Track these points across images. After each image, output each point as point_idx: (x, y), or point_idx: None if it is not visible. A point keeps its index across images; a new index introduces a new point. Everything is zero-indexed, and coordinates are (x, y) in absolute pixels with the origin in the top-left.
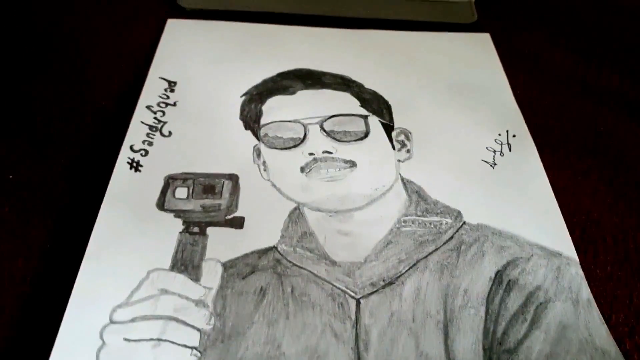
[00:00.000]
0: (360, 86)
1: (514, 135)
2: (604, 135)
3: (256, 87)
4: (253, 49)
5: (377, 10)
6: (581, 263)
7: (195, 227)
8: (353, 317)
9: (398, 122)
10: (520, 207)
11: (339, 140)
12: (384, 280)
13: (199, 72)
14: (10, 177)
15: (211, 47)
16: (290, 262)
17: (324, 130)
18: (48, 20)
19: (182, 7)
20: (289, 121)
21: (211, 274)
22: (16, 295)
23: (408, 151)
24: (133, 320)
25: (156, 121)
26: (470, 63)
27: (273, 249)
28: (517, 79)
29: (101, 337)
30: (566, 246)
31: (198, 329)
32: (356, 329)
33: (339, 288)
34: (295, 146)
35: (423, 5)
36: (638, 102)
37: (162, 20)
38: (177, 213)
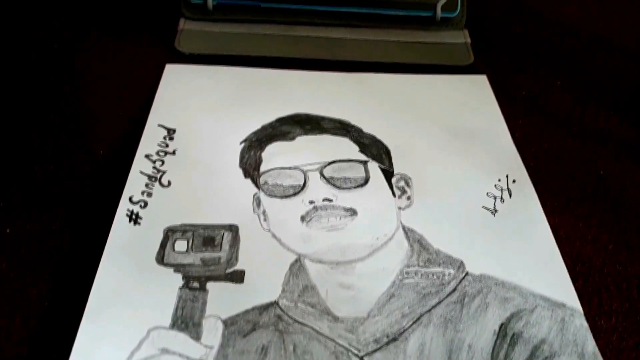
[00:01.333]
0: (359, 131)
1: (513, 181)
2: (603, 179)
3: (255, 133)
4: (252, 93)
5: (374, 53)
6: (585, 314)
7: (195, 282)
8: None
9: (397, 167)
10: (523, 255)
11: (339, 187)
12: (387, 337)
13: (198, 119)
14: (8, 230)
15: (210, 93)
16: (291, 318)
17: (324, 177)
18: (45, 71)
19: (181, 51)
20: (289, 168)
21: (212, 331)
22: (13, 356)
23: (408, 198)
24: None
25: (155, 171)
26: (468, 105)
27: (274, 304)
28: (515, 121)
29: None
30: (570, 296)
31: None
32: None
33: (342, 345)
34: (295, 194)
35: (420, 47)
36: (637, 143)
37: (161, 65)
38: (177, 267)
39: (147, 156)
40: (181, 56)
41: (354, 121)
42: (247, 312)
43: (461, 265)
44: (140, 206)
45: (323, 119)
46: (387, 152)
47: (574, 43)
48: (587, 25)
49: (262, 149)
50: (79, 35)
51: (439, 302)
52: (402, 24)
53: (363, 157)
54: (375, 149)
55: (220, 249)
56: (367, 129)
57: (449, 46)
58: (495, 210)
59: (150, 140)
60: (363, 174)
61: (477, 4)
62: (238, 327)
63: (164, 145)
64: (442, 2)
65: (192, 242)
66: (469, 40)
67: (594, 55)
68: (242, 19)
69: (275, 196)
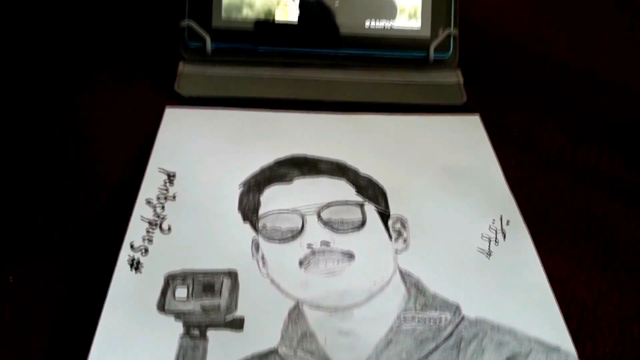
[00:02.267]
0: (355, 172)
1: (507, 222)
2: (595, 219)
3: (254, 176)
4: (250, 135)
5: (370, 94)
6: (580, 357)
7: (195, 330)
8: None
9: (393, 209)
10: (517, 298)
11: (336, 230)
12: None
13: (197, 162)
14: (11, 279)
15: (209, 135)
16: None
17: (321, 220)
18: (45, 116)
19: (180, 94)
20: (287, 211)
21: None
22: None
23: (405, 241)
24: None
25: (156, 216)
26: (461, 145)
27: (274, 352)
28: (507, 160)
29: None
30: (564, 339)
31: None
32: None
33: None
34: (293, 238)
35: (414, 88)
36: (628, 183)
37: (161, 108)
38: (178, 315)
39: (147, 201)
40: (181, 99)
41: (351, 162)
42: None
43: (457, 309)
44: (142, 253)
45: (320, 160)
46: (383, 194)
47: (566, 82)
48: (578, 64)
49: (260, 192)
50: (79, 80)
51: (436, 348)
52: (396, 65)
53: (360, 199)
54: (371, 191)
55: (220, 296)
56: (364, 170)
57: (442, 86)
58: (490, 253)
59: (150, 185)
60: (360, 216)
61: (470, 44)
62: None
63: (164, 190)
64: (435, 44)
65: (192, 289)
66: (461, 80)
67: (586, 94)
68: (240, 61)
69: (274, 240)
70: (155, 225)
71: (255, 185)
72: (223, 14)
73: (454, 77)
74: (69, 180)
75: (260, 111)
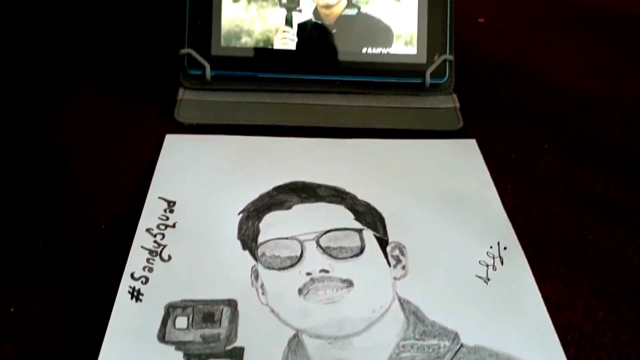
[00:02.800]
0: (353, 198)
1: (505, 248)
2: (592, 243)
3: (253, 203)
4: (250, 162)
5: (367, 119)
6: None
7: None
8: None
9: (392, 235)
10: (515, 325)
11: (335, 258)
12: None
13: (197, 190)
14: (12, 310)
15: (209, 162)
16: None
17: (320, 247)
18: (45, 144)
19: (180, 122)
20: (286, 238)
21: None
22: None
23: (403, 267)
24: None
25: (156, 245)
26: (458, 171)
27: None
28: (504, 185)
29: None
30: None
31: None
32: None
33: None
34: (292, 265)
35: (410, 113)
36: (623, 207)
37: (161, 135)
38: (178, 345)
39: (148, 230)
40: (181, 125)
41: (349, 188)
42: None
43: (456, 336)
44: (142, 282)
45: (319, 186)
46: (382, 220)
47: (562, 106)
48: (574, 88)
49: (259, 219)
50: (79, 106)
51: None
52: (393, 91)
53: (358, 225)
54: (370, 217)
55: (220, 325)
56: (362, 196)
57: (438, 111)
58: (488, 279)
59: (151, 213)
60: (358, 243)
61: (466, 69)
62: None
63: (164, 218)
64: (431, 70)
65: (193, 319)
66: (457, 104)
67: (581, 118)
68: (239, 88)
69: (273, 268)
70: (156, 254)
71: (254, 212)
72: (222, 41)
73: (450, 102)
74: (69, 209)
75: (259, 137)
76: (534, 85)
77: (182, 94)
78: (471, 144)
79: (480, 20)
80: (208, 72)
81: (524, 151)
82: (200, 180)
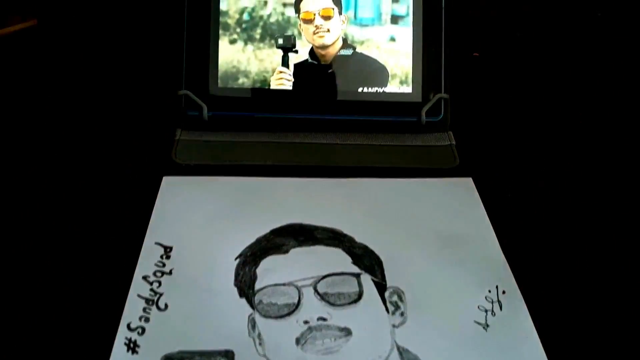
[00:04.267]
0: (351, 241)
1: (503, 292)
2: (593, 286)
3: (250, 247)
4: (247, 204)
5: (364, 158)
6: None
7: None
8: None
9: (390, 279)
10: None
11: (332, 304)
12: None
13: (194, 234)
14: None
15: (206, 205)
16: None
17: (318, 293)
18: (38, 186)
19: (177, 162)
20: (283, 284)
21: None
22: None
23: (402, 314)
24: None
25: (152, 293)
26: (455, 211)
27: None
28: (501, 225)
29: None
30: None
31: None
32: None
33: None
34: (289, 313)
35: (407, 151)
36: (625, 247)
37: (158, 177)
38: None
39: (144, 277)
40: (178, 166)
41: (347, 229)
42: None
43: None
44: (138, 333)
45: (316, 228)
46: (380, 263)
47: (558, 143)
48: (571, 125)
49: (256, 264)
50: (73, 152)
51: None
52: (389, 129)
53: (356, 269)
54: (367, 261)
55: None
56: (360, 238)
57: (434, 149)
58: (487, 325)
59: (147, 260)
60: (357, 289)
61: (461, 107)
62: None
63: (160, 264)
64: (426, 108)
65: None
66: (453, 142)
67: (577, 155)
68: (236, 128)
69: (270, 316)
70: (152, 302)
71: (251, 257)
72: (219, 82)
73: (446, 140)
74: (64, 257)
75: (256, 179)
76: (530, 122)
77: (180, 135)
78: (467, 183)
79: (475, 54)
80: (205, 113)
81: (520, 189)
82: (198, 224)
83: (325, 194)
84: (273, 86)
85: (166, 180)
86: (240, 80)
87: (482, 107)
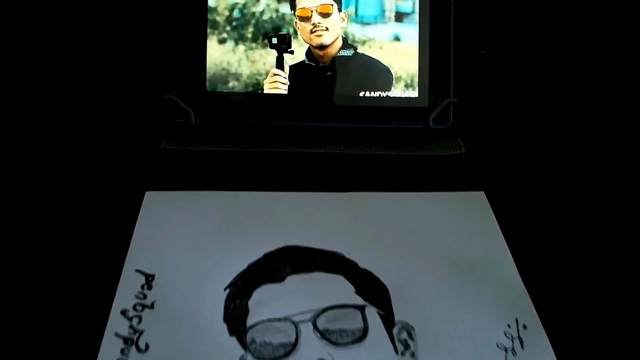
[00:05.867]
0: (353, 266)
1: (524, 327)
2: (622, 320)
3: (241, 275)
4: (238, 222)
5: (364, 169)
6: None
7: None
8: None
9: (398, 313)
10: None
11: (334, 343)
12: None
13: (179, 259)
14: None
15: (193, 224)
16: None
17: (318, 331)
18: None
19: (161, 178)
20: (278, 319)
21: None
22: None
23: (413, 354)
24: None
25: (132, 331)
26: (467, 231)
27: None
28: (518, 247)
29: None
30: None
31: None
32: None
33: None
34: (286, 355)
35: (411, 161)
36: None
37: (140, 192)
38: None
39: (123, 312)
40: (162, 178)
41: (348, 252)
42: None
43: None
44: None
45: (315, 252)
46: (386, 294)
47: (581, 151)
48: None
49: (248, 295)
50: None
51: None
52: (393, 137)
53: (360, 301)
54: (373, 290)
55: None
56: (363, 262)
57: (443, 158)
58: None
59: (126, 291)
60: (361, 324)
61: (471, 112)
62: None
63: (141, 296)
64: (434, 114)
65: None
66: (463, 151)
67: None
68: (226, 136)
69: (264, 358)
70: (131, 342)
71: (243, 287)
72: (207, 86)
73: (455, 149)
74: (33, 288)
75: (248, 193)
76: (548, 126)
77: (164, 144)
78: (479, 197)
79: (483, 52)
80: (192, 119)
81: (539, 204)
82: (183, 246)
83: (324, 209)
84: (266, 90)
85: (149, 196)
86: (231, 84)
87: (493, 112)
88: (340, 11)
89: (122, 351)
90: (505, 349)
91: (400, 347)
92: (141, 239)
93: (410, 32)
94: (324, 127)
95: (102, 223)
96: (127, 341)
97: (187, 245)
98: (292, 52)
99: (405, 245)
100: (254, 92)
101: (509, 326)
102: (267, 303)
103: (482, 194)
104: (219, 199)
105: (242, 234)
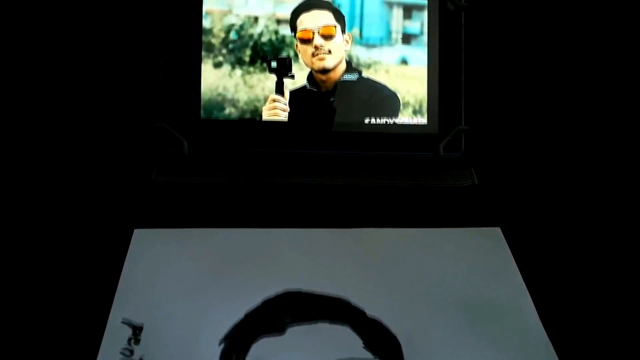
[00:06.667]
0: (361, 315)
1: None
2: None
3: (237, 327)
4: (234, 263)
5: (369, 202)
6: None
7: None
8: None
9: None
10: None
11: None
12: None
13: (170, 307)
14: None
15: (185, 266)
16: None
17: None
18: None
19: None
20: None
21: None
22: None
23: None
24: None
25: None
26: (484, 272)
27: None
28: (537, 287)
29: None
30: None
31: None
32: None
33: None
34: None
35: (420, 192)
36: None
37: (129, 229)
38: None
39: None
40: (153, 213)
41: (355, 298)
42: None
43: None
44: None
45: (318, 298)
46: (397, 347)
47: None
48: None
49: (245, 351)
50: (23, 197)
51: None
52: (401, 167)
53: (368, 355)
54: (382, 343)
55: None
56: (371, 309)
57: (454, 190)
58: None
59: (112, 345)
60: None
61: (484, 140)
62: None
63: (127, 352)
64: (445, 142)
65: None
66: (476, 181)
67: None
68: (222, 167)
69: None
70: None
71: (240, 340)
72: (202, 113)
73: (467, 179)
74: (12, 343)
75: (245, 230)
76: (566, 156)
77: (155, 174)
78: (495, 233)
79: (492, 72)
80: (185, 149)
81: (559, 241)
82: (174, 292)
83: (327, 248)
84: (265, 117)
85: (138, 234)
86: (227, 111)
87: (508, 140)
88: (344, 33)
89: None
90: None
91: None
92: (129, 284)
93: (419, 55)
94: (327, 156)
95: (86, 265)
96: None
97: (179, 291)
98: (292, 77)
99: (416, 288)
100: (252, 119)
101: None
102: (267, 359)
103: (497, 230)
104: (213, 236)
105: (239, 277)
